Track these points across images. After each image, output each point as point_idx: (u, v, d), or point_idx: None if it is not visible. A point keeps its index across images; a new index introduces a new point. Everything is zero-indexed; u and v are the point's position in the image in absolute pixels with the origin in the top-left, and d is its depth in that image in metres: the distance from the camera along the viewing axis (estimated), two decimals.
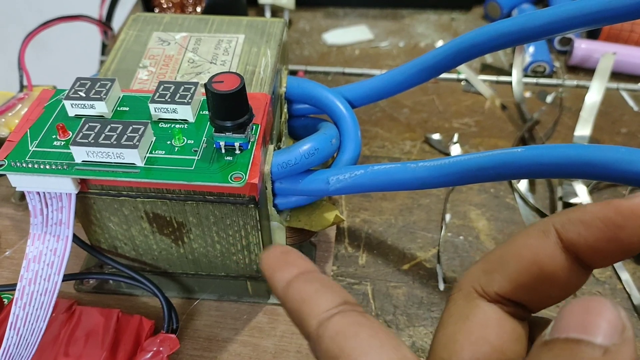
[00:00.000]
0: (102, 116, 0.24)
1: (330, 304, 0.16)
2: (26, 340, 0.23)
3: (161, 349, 0.26)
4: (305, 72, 0.48)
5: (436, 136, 0.42)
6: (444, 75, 0.47)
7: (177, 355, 0.28)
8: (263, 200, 0.26)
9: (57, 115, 0.25)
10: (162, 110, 0.24)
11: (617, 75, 0.47)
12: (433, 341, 0.17)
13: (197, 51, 0.29)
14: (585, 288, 0.32)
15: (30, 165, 0.23)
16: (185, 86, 0.25)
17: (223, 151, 0.23)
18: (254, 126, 0.24)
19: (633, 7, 0.23)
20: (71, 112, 0.25)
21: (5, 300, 0.28)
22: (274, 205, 0.28)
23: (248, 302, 0.30)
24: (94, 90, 0.24)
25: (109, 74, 0.28)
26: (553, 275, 0.15)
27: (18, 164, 0.23)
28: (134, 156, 0.22)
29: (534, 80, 0.47)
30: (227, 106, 0.22)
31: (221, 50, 0.29)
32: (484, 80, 0.47)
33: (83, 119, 0.23)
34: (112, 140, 0.22)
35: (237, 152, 0.23)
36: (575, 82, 0.46)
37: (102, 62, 0.48)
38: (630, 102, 0.45)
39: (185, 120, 0.24)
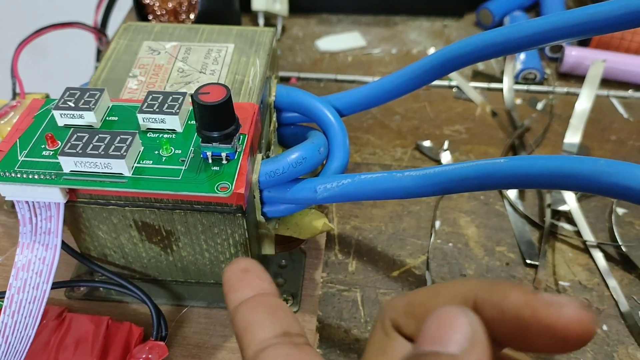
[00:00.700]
0: (90, 126, 0.25)
1: (268, 334, 0.17)
2: (15, 348, 0.23)
3: (150, 356, 0.26)
4: (298, 79, 0.48)
5: (427, 143, 0.42)
6: (435, 82, 0.48)
7: None
8: (251, 209, 0.26)
9: (46, 125, 0.25)
10: (150, 120, 0.24)
11: (607, 82, 0.47)
12: None
13: (187, 60, 0.29)
14: (573, 294, 0.32)
15: (19, 175, 0.23)
16: (174, 96, 0.25)
17: (210, 161, 0.23)
18: (241, 136, 0.24)
19: (618, 19, 0.23)
20: (60, 122, 0.25)
21: None
22: (263, 214, 0.28)
23: None
24: (83, 100, 0.25)
25: (99, 83, 0.28)
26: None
27: (7, 174, 0.23)
28: (121, 166, 0.22)
29: (524, 87, 0.47)
30: (214, 117, 0.22)
31: (211, 60, 0.29)
32: (475, 87, 0.47)
33: (72, 129, 0.23)
34: (99, 151, 0.22)
35: (224, 162, 0.23)
36: (565, 89, 0.47)
37: (97, 68, 0.49)
38: (620, 109, 0.45)
39: (174, 130, 0.25)
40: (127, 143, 0.23)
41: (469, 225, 0.36)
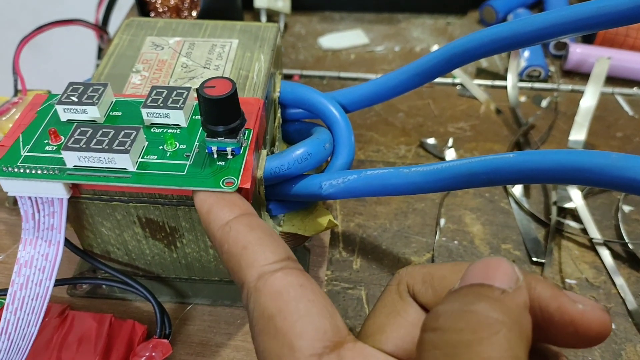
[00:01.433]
0: (94, 121, 0.24)
1: (272, 257, 0.17)
2: (17, 345, 0.23)
3: (154, 354, 0.26)
4: (301, 76, 0.48)
5: (431, 140, 0.42)
6: (439, 80, 0.47)
7: None
8: (256, 205, 0.26)
9: (49, 120, 0.25)
10: (154, 115, 0.24)
11: (612, 79, 0.47)
12: (363, 325, 0.18)
13: (191, 56, 0.29)
14: (580, 292, 0.32)
15: (22, 170, 0.23)
16: (178, 91, 0.25)
17: (215, 156, 0.23)
18: (247, 131, 0.24)
19: (624, 13, 0.23)
20: (63, 117, 0.25)
21: None
22: (267, 210, 0.28)
23: (241, 307, 0.30)
24: (86, 95, 0.24)
25: (102, 78, 0.28)
26: None
27: (10, 169, 0.23)
28: (125, 161, 0.22)
29: (529, 84, 0.47)
30: (219, 111, 0.22)
31: (215, 55, 0.29)
32: (479, 85, 0.47)
33: (75, 124, 0.23)
34: (103, 145, 0.22)
35: (229, 157, 0.23)
36: (570, 87, 0.46)
37: (98, 66, 0.48)
38: (625, 107, 0.45)
39: (178, 125, 0.24)
40: (131, 138, 0.22)
41: (474, 222, 0.36)
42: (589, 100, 0.43)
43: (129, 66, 0.29)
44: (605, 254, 0.34)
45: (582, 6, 0.24)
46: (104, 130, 0.23)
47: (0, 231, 0.34)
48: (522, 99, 0.46)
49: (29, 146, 0.23)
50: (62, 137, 0.24)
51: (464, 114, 0.45)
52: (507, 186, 0.38)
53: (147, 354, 0.26)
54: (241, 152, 0.23)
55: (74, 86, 0.25)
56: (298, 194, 0.27)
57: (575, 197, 0.37)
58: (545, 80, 0.47)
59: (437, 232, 0.35)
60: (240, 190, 0.22)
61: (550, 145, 0.41)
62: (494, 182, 0.23)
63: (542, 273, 0.33)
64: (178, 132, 0.24)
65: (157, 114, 0.24)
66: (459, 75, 0.48)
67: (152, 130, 0.24)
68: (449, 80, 0.48)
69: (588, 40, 0.50)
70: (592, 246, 0.34)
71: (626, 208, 0.37)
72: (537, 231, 0.35)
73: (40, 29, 0.39)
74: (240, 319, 0.30)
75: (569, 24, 0.24)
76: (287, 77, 0.48)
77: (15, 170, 0.23)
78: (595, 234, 0.35)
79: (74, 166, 0.23)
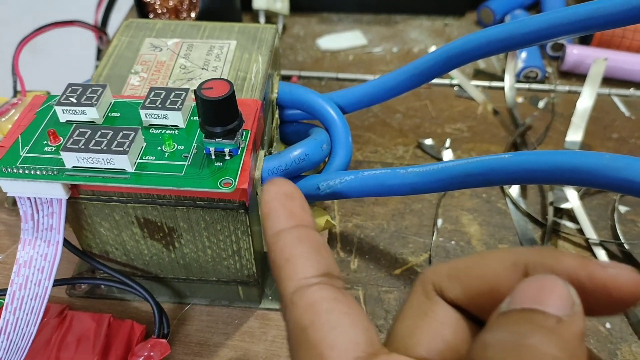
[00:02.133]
0: (93, 122, 0.25)
1: (312, 272, 0.17)
2: (16, 345, 0.23)
3: (152, 353, 0.26)
4: (299, 78, 0.48)
5: (429, 141, 0.42)
6: (436, 81, 0.48)
7: None
8: (253, 206, 0.26)
9: (48, 121, 0.25)
10: (152, 116, 0.24)
11: (608, 80, 0.47)
12: (391, 331, 0.17)
13: (189, 57, 0.29)
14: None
15: (21, 171, 0.23)
16: (176, 92, 0.25)
17: (213, 157, 0.23)
18: (244, 132, 0.24)
19: (620, 14, 0.23)
20: (62, 117, 0.25)
21: None
22: None
23: (239, 307, 0.30)
24: (85, 96, 0.24)
25: (101, 79, 0.28)
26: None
27: (9, 170, 0.23)
28: (124, 162, 0.22)
29: (526, 85, 0.47)
30: (217, 112, 0.22)
31: (213, 57, 0.29)
32: (477, 86, 0.47)
33: (74, 125, 0.23)
34: (102, 146, 0.22)
35: (227, 157, 0.23)
36: (567, 88, 0.47)
37: (97, 67, 0.49)
38: (622, 108, 0.45)
39: (176, 126, 0.25)
40: (130, 139, 0.23)
41: (471, 223, 0.36)
42: (585, 101, 0.43)
43: (127, 67, 0.29)
44: (601, 254, 0.34)
45: (579, 7, 0.24)
46: (102, 131, 0.23)
47: None
48: (519, 100, 0.46)
49: (28, 147, 0.24)
50: (61, 138, 0.24)
51: (461, 115, 0.45)
52: (504, 187, 0.38)
53: (146, 353, 0.26)
54: (239, 153, 0.23)
55: (73, 87, 0.25)
56: None
57: (572, 198, 0.37)
58: (542, 82, 0.48)
59: (435, 233, 0.35)
60: (237, 191, 0.22)
61: (547, 146, 0.42)
62: (491, 182, 0.23)
63: None
64: (176, 133, 0.24)
65: (156, 115, 0.24)
66: (457, 77, 0.48)
67: (150, 131, 0.24)
68: (446, 81, 0.48)
69: (585, 41, 0.50)
70: (588, 246, 0.35)
71: (622, 208, 0.37)
72: (534, 231, 0.35)
73: (39, 30, 0.39)
74: (238, 319, 0.30)
75: (566, 25, 0.25)
76: (286, 78, 0.48)
77: (15, 170, 0.23)
78: (591, 234, 0.35)
79: (73, 167, 0.23)
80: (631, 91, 0.46)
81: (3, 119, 0.34)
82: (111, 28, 0.50)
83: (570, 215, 0.36)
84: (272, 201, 0.18)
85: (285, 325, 0.16)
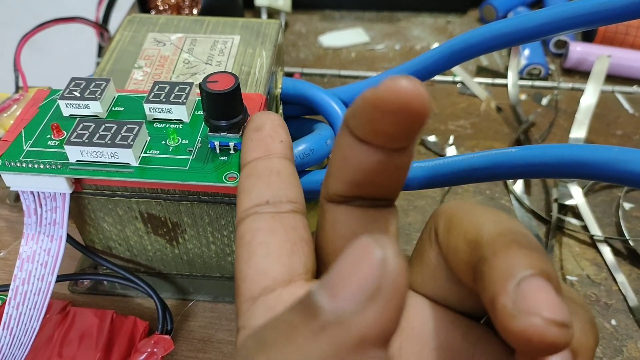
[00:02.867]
0: (96, 116, 0.24)
1: (249, 203, 0.17)
2: (19, 340, 0.23)
3: (155, 350, 0.26)
4: (302, 75, 0.48)
5: (432, 138, 0.42)
6: (439, 78, 0.47)
7: (171, 356, 0.28)
8: None
9: (51, 115, 0.25)
10: (156, 110, 0.24)
11: (612, 77, 0.47)
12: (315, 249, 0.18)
13: (193, 52, 0.29)
14: (581, 289, 0.32)
15: (24, 165, 0.22)
16: (180, 86, 0.25)
17: (218, 151, 0.23)
18: None
19: (625, 8, 0.23)
20: (66, 112, 0.25)
21: (0, 302, 0.28)
22: None
23: None
24: (88, 90, 0.24)
25: (104, 74, 0.28)
26: (369, 167, 0.15)
27: (12, 164, 0.23)
28: (128, 156, 0.22)
29: (529, 82, 0.47)
30: (222, 106, 0.22)
31: (216, 51, 0.29)
32: (480, 83, 0.47)
33: (77, 119, 0.23)
34: (106, 140, 0.22)
35: (232, 152, 0.23)
36: (570, 85, 0.47)
37: (98, 64, 0.48)
38: (625, 105, 0.45)
39: (180, 120, 0.24)
40: (134, 132, 0.22)
41: None
42: (589, 98, 0.43)
43: (131, 62, 0.29)
44: (606, 250, 0.34)
45: (582, 2, 0.24)
46: (106, 125, 0.23)
47: (1, 228, 0.34)
48: (523, 97, 0.46)
49: (32, 141, 0.23)
50: (65, 132, 0.24)
51: (464, 111, 0.45)
52: (508, 183, 0.38)
53: (149, 350, 0.26)
54: None
55: (77, 81, 0.25)
56: None
57: (576, 195, 0.37)
58: (545, 79, 0.47)
59: None
60: None
61: (551, 142, 0.41)
62: (496, 176, 0.23)
63: None
64: (180, 127, 0.24)
65: (160, 109, 0.24)
66: (460, 74, 0.48)
67: (154, 125, 0.24)
68: (449, 78, 0.48)
69: (588, 38, 0.50)
70: (593, 243, 0.34)
71: (627, 205, 0.37)
72: (538, 228, 0.35)
73: (41, 26, 0.39)
74: None
75: (569, 20, 0.25)
76: (288, 75, 0.48)
77: (18, 165, 0.23)
78: (596, 231, 0.35)
79: (77, 161, 0.23)
80: (634, 88, 0.46)
81: (5, 115, 0.34)
82: (112, 25, 0.49)
83: (575, 212, 0.36)
84: (244, 138, 0.20)
85: None
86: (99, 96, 0.24)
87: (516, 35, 0.26)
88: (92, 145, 0.22)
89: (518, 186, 0.38)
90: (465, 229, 0.14)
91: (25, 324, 0.23)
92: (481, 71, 0.49)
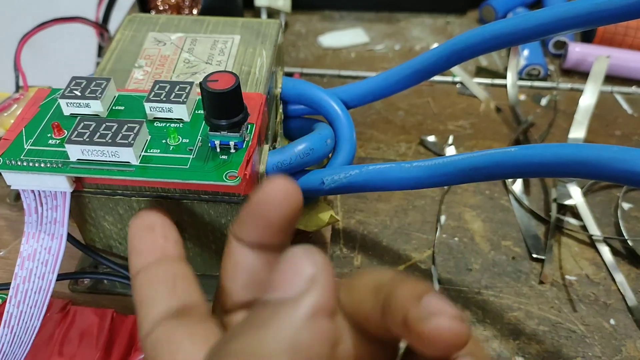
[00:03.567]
0: (97, 115, 0.25)
1: (158, 311, 0.17)
2: (20, 338, 0.23)
3: None
4: (301, 75, 0.48)
5: (431, 138, 0.42)
6: (439, 78, 0.48)
7: None
8: None
9: (52, 114, 0.25)
10: (157, 109, 0.24)
11: (611, 78, 0.47)
12: None
13: (193, 51, 0.29)
14: (580, 289, 0.32)
15: (25, 164, 0.23)
16: (181, 85, 0.25)
17: (218, 150, 0.23)
18: (249, 125, 0.24)
19: (624, 9, 0.23)
20: (66, 111, 0.25)
21: (0, 301, 0.28)
22: None
23: None
24: (89, 89, 0.24)
25: (105, 73, 0.28)
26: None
27: (13, 162, 0.23)
28: (129, 154, 0.22)
29: (528, 83, 0.47)
30: (222, 105, 0.22)
31: (217, 51, 0.29)
32: (479, 83, 0.47)
33: (78, 118, 0.23)
34: (107, 139, 0.22)
35: (232, 151, 0.23)
36: (569, 85, 0.47)
37: (98, 64, 0.48)
38: (624, 105, 0.45)
39: (181, 119, 0.24)
40: (135, 131, 0.22)
41: (474, 219, 0.36)
42: (588, 98, 0.43)
43: (131, 61, 0.29)
44: (605, 250, 0.34)
45: (581, 2, 0.24)
46: (107, 123, 0.23)
47: (1, 227, 0.34)
48: (522, 97, 0.46)
49: (32, 140, 0.23)
50: (65, 131, 0.24)
51: (463, 112, 0.45)
52: (507, 183, 0.38)
53: None
54: (244, 146, 0.23)
55: (77, 80, 0.25)
56: (300, 189, 0.27)
57: (575, 194, 0.37)
58: (544, 79, 0.48)
59: (438, 229, 0.35)
60: (242, 185, 0.22)
61: (550, 143, 0.41)
62: (496, 176, 0.23)
63: (542, 270, 0.33)
64: (181, 126, 0.24)
65: (160, 108, 0.24)
66: (459, 74, 0.48)
67: (155, 124, 0.24)
68: (448, 78, 0.48)
69: (587, 39, 0.50)
70: (592, 243, 0.34)
71: (625, 205, 0.37)
72: (537, 228, 0.35)
73: (41, 26, 0.39)
74: None
75: (568, 20, 0.25)
76: (288, 75, 0.48)
77: (19, 163, 0.23)
78: (595, 230, 0.35)
79: (78, 159, 0.23)
80: (633, 89, 0.46)
81: (5, 114, 0.34)
82: (112, 25, 0.50)
83: (574, 211, 0.36)
84: (133, 238, 0.19)
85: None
86: (100, 95, 0.24)
87: (516, 35, 0.26)
88: (93, 144, 0.22)
89: (517, 186, 0.38)
90: (364, 283, 0.17)
91: (26, 323, 0.23)
92: (480, 71, 0.49)
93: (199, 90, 0.25)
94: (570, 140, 0.41)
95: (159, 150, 0.23)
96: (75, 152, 0.22)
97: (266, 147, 0.26)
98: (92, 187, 0.24)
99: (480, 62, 0.50)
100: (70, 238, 0.25)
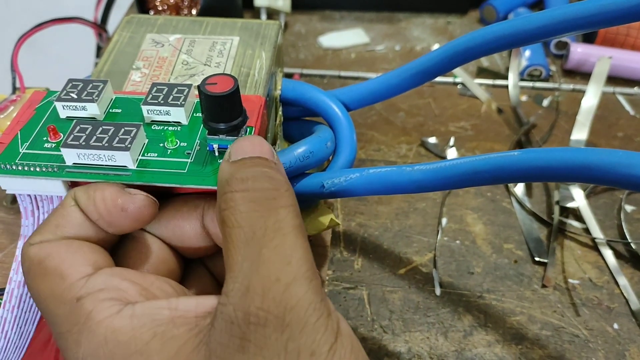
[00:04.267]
0: (93, 118, 0.24)
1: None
2: (14, 344, 0.23)
3: None
4: (301, 76, 0.48)
5: (432, 140, 0.42)
6: (440, 79, 0.47)
7: None
8: None
9: (48, 117, 0.24)
10: (154, 112, 0.24)
11: (613, 79, 0.47)
12: None
13: (191, 53, 0.29)
14: (583, 293, 0.32)
15: (20, 168, 0.22)
16: (179, 88, 0.24)
17: (216, 154, 0.23)
18: (248, 128, 0.24)
19: (627, 10, 0.23)
20: (62, 113, 0.24)
21: None
22: None
23: None
24: (85, 92, 0.24)
25: (102, 75, 0.28)
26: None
27: (8, 166, 0.22)
28: (125, 158, 0.22)
29: (530, 84, 0.47)
30: (221, 108, 0.21)
31: (215, 52, 0.29)
32: (480, 84, 0.47)
33: (74, 121, 0.23)
34: (103, 143, 0.22)
35: None
36: (571, 86, 0.46)
37: (96, 65, 0.48)
38: (627, 106, 0.45)
39: (179, 122, 0.24)
40: (132, 135, 0.22)
41: (476, 222, 0.36)
42: (590, 99, 0.43)
43: (129, 63, 0.28)
44: (608, 253, 0.33)
45: (584, 4, 0.24)
46: (103, 127, 0.22)
47: None
48: (523, 98, 0.46)
49: (28, 143, 0.23)
50: (61, 134, 0.23)
51: (465, 113, 0.44)
52: (509, 185, 0.38)
53: None
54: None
55: (73, 83, 0.24)
56: (300, 192, 0.27)
57: (578, 197, 0.36)
58: (546, 80, 0.47)
59: (439, 232, 0.35)
60: None
61: (552, 144, 0.41)
62: (499, 180, 0.22)
63: (544, 273, 0.32)
64: (179, 129, 0.24)
65: (158, 111, 0.24)
66: (460, 75, 0.47)
67: (152, 127, 0.24)
68: (449, 79, 0.47)
69: (589, 39, 0.50)
70: (594, 246, 0.34)
71: (628, 208, 0.36)
72: (540, 231, 0.35)
73: (39, 26, 0.39)
74: None
75: (571, 21, 0.24)
76: (288, 76, 0.48)
77: (14, 167, 0.22)
78: (597, 233, 0.34)
79: (74, 163, 0.22)
80: (636, 90, 0.46)
81: (1, 116, 0.33)
82: (111, 25, 0.49)
83: (576, 214, 0.36)
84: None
85: (22, 268, 0.19)
86: (96, 98, 0.24)
87: (518, 37, 0.26)
88: (89, 148, 0.22)
89: (519, 188, 0.38)
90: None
91: (21, 327, 0.23)
92: (482, 72, 0.49)
93: (197, 92, 0.25)
94: (573, 142, 0.41)
95: (156, 154, 0.23)
96: (71, 156, 0.22)
97: None
98: None
99: (481, 62, 0.50)
100: None
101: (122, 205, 0.20)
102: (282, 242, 0.17)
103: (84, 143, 0.22)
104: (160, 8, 0.47)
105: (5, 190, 0.23)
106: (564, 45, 0.49)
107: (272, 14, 0.54)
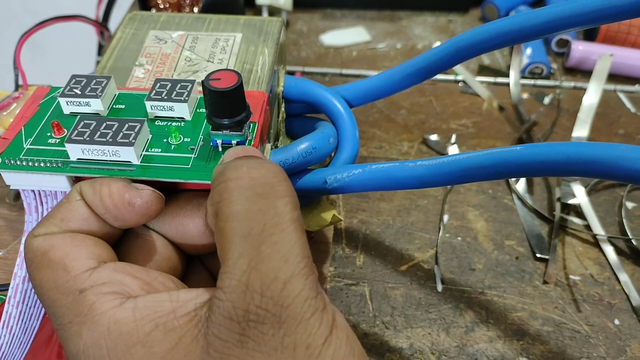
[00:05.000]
0: (97, 114, 0.24)
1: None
2: (19, 339, 0.23)
3: None
4: (303, 73, 0.48)
5: (434, 137, 0.42)
6: (441, 77, 0.47)
7: None
8: None
9: (52, 113, 0.24)
10: (158, 108, 0.24)
11: (614, 77, 0.47)
12: None
13: (194, 50, 0.29)
14: (584, 289, 0.32)
15: (24, 163, 0.22)
16: (182, 84, 0.24)
17: (220, 149, 0.23)
18: (252, 124, 0.24)
19: (628, 7, 0.23)
20: (66, 109, 0.24)
21: None
22: None
23: None
24: (89, 88, 0.24)
25: (105, 72, 0.28)
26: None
27: (12, 162, 0.22)
28: (129, 154, 0.22)
29: (531, 81, 0.47)
30: (225, 103, 0.21)
31: (218, 49, 0.29)
32: (482, 82, 0.47)
33: (78, 117, 0.23)
34: (107, 138, 0.22)
35: None
36: (572, 84, 0.46)
37: (98, 63, 0.48)
38: (628, 104, 0.45)
39: (182, 118, 0.24)
40: (136, 130, 0.22)
41: (477, 219, 0.36)
42: (591, 97, 0.43)
43: (132, 60, 0.28)
44: (609, 250, 0.34)
45: (585, 0, 0.24)
46: (107, 122, 0.22)
47: (0, 227, 0.34)
48: (525, 95, 0.46)
49: (32, 139, 0.23)
50: (65, 130, 0.23)
51: (466, 110, 0.44)
52: (511, 182, 0.38)
53: None
54: (246, 145, 0.23)
55: (77, 79, 0.25)
56: (302, 188, 0.27)
57: (579, 194, 0.36)
58: (547, 78, 0.47)
59: (441, 229, 0.35)
60: None
61: (554, 141, 0.41)
62: (502, 175, 0.23)
63: (546, 269, 0.32)
64: (182, 125, 0.24)
65: (161, 107, 0.24)
66: (461, 72, 0.47)
67: (156, 123, 0.24)
68: (451, 77, 0.47)
69: (590, 37, 0.50)
70: (596, 242, 0.34)
71: (629, 204, 0.36)
72: (541, 227, 0.35)
73: (41, 24, 0.39)
74: None
75: (573, 18, 0.24)
76: (289, 73, 0.48)
77: (18, 163, 0.22)
78: (599, 230, 0.34)
79: (78, 159, 0.22)
80: (637, 87, 0.46)
81: (5, 113, 0.33)
82: (113, 23, 0.49)
83: (578, 211, 0.36)
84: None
85: (25, 259, 0.20)
86: (100, 94, 0.24)
87: (520, 33, 0.26)
88: (93, 144, 0.22)
89: (521, 185, 0.38)
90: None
91: (25, 323, 0.23)
92: (483, 70, 0.49)
93: (200, 88, 0.25)
94: (574, 139, 0.41)
95: (160, 150, 0.23)
96: (75, 151, 0.22)
97: (268, 146, 0.26)
98: None
99: (482, 60, 0.50)
100: None
101: (129, 199, 0.20)
102: (280, 238, 0.17)
103: (88, 138, 0.22)
104: (162, 6, 0.47)
105: (9, 186, 0.23)
106: (565, 43, 0.49)
107: (273, 12, 0.54)
